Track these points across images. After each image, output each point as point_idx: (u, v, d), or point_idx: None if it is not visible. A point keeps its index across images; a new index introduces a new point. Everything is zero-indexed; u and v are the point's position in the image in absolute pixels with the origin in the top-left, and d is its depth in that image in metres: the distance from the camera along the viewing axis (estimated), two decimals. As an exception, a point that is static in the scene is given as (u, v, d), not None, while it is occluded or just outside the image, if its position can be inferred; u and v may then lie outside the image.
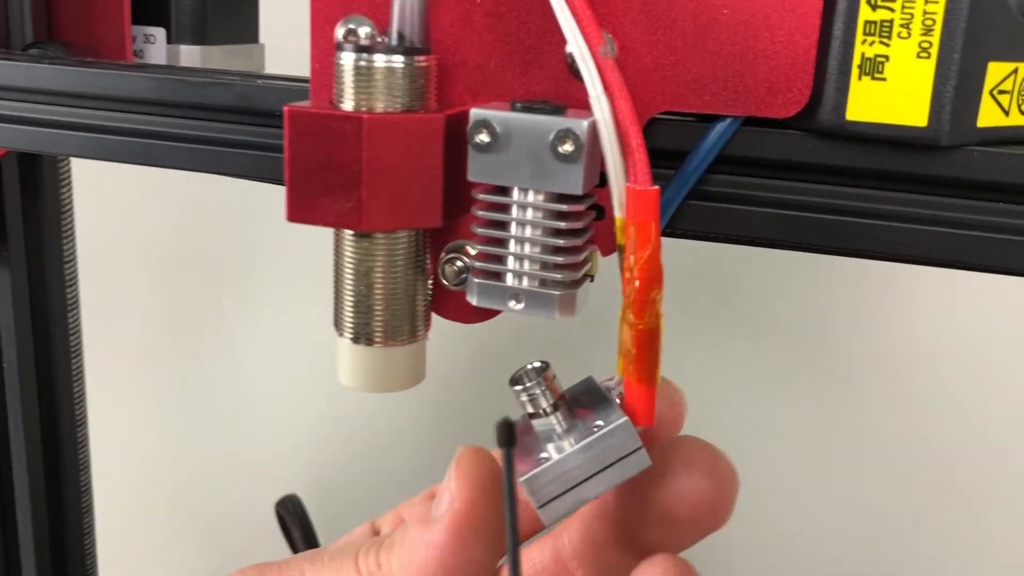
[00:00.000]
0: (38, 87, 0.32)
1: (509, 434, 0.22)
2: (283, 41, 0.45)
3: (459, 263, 0.27)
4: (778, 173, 0.26)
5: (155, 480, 0.78)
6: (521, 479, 0.25)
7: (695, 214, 0.26)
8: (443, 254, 0.27)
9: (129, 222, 0.72)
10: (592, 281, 0.27)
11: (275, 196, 0.66)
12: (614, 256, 0.29)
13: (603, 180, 0.26)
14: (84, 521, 0.48)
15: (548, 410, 0.25)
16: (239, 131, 0.30)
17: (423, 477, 0.71)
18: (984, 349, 0.59)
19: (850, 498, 0.64)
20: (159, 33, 0.41)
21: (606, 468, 0.25)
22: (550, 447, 0.25)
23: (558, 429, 0.25)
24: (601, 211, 0.26)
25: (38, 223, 0.43)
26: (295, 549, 0.63)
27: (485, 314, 0.28)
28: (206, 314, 0.73)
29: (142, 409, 0.76)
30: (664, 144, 0.26)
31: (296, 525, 0.63)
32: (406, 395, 0.75)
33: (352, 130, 0.24)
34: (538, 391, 0.25)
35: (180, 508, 0.78)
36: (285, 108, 0.24)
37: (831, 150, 0.25)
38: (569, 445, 0.25)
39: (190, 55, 0.41)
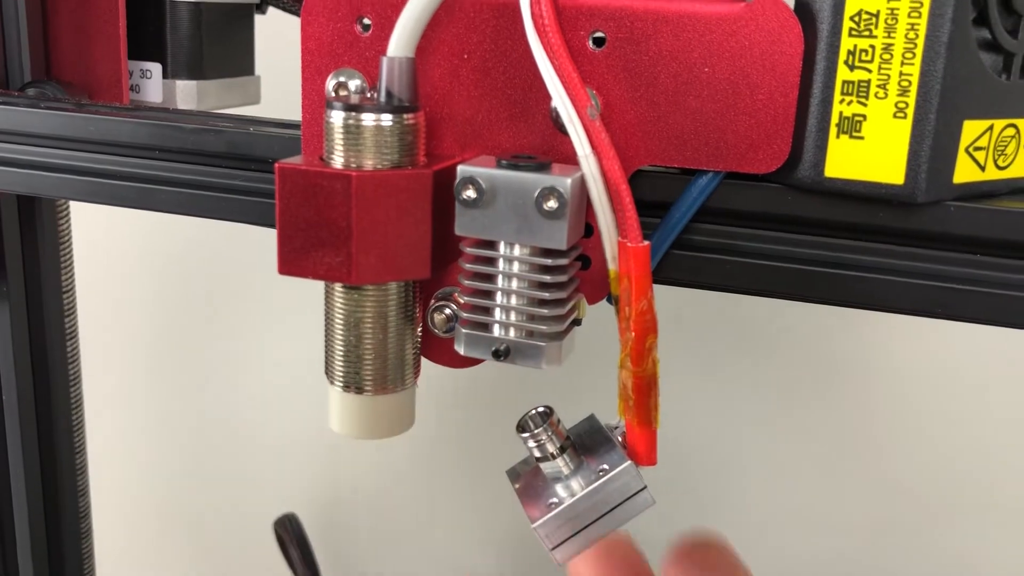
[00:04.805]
0: (34, 131, 0.32)
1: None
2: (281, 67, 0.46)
3: (447, 311, 0.28)
4: (759, 225, 0.26)
5: (153, 499, 0.78)
6: (533, 525, 0.26)
7: (679, 264, 0.27)
8: (432, 301, 0.28)
9: (130, 238, 0.73)
10: (579, 325, 0.28)
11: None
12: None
13: (588, 231, 0.26)
14: (83, 545, 0.48)
15: (555, 453, 0.26)
16: (232, 176, 0.31)
17: (424, 497, 0.72)
18: (982, 362, 0.60)
19: (846, 511, 0.64)
20: (155, 68, 0.41)
21: (613, 509, 0.25)
22: (559, 489, 0.26)
23: (565, 471, 0.26)
24: (587, 261, 0.27)
25: (36, 256, 0.43)
26: (293, 568, 0.64)
27: (474, 359, 0.28)
28: (205, 334, 0.74)
29: (141, 432, 0.77)
30: (648, 196, 0.26)
31: (294, 544, 0.64)
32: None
33: (341, 187, 0.24)
34: (544, 437, 0.26)
35: (178, 526, 0.78)
36: (276, 165, 0.25)
37: (811, 204, 0.25)
38: (578, 488, 0.25)
39: (186, 89, 0.42)
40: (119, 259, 0.73)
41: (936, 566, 0.63)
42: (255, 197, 0.30)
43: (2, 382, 0.43)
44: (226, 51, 0.43)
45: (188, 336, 0.74)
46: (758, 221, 0.26)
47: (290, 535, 0.64)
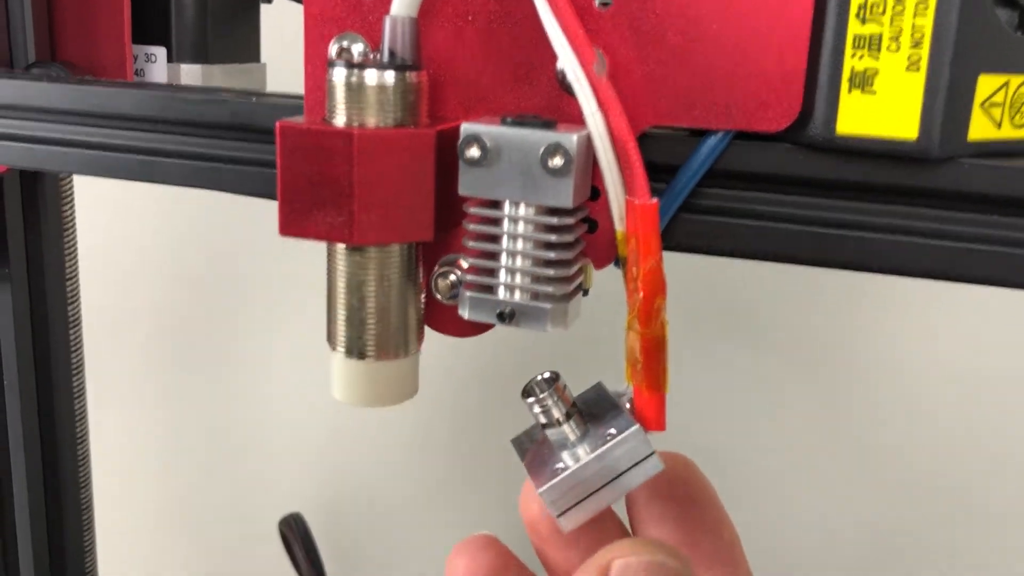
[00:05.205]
0: (36, 105, 0.32)
1: None
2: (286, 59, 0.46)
3: (452, 277, 0.27)
4: (770, 187, 0.26)
5: (157, 495, 0.78)
6: (539, 490, 0.25)
7: (687, 228, 0.26)
8: (436, 268, 0.27)
9: (136, 236, 0.72)
10: (586, 295, 0.27)
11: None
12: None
13: (595, 194, 0.26)
14: (84, 538, 0.48)
15: (561, 419, 0.26)
16: (235, 147, 0.30)
17: (428, 497, 0.71)
18: (986, 359, 0.59)
19: (848, 508, 0.63)
20: (160, 52, 0.41)
21: (621, 475, 0.25)
22: (565, 456, 0.25)
23: (571, 438, 0.26)
24: (593, 224, 0.26)
25: (39, 240, 0.43)
26: (297, 567, 0.63)
27: (479, 328, 0.28)
28: (212, 330, 0.74)
29: (144, 426, 0.76)
30: (655, 158, 0.26)
31: (299, 543, 0.63)
32: (412, 414, 0.75)
33: (343, 145, 0.24)
34: (550, 402, 0.25)
35: (182, 523, 0.77)
36: (277, 124, 0.24)
37: (822, 163, 0.25)
38: (584, 454, 0.25)
39: (191, 74, 0.41)
40: (126, 254, 0.73)
41: (944, 565, 0.62)
42: (259, 167, 0.30)
43: (3, 367, 0.43)
44: (231, 36, 0.43)
45: (194, 334, 0.74)
46: (769, 183, 0.25)
47: (295, 534, 0.63)
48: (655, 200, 0.24)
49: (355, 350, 0.26)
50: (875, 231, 0.25)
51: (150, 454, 0.77)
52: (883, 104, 0.23)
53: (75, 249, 0.45)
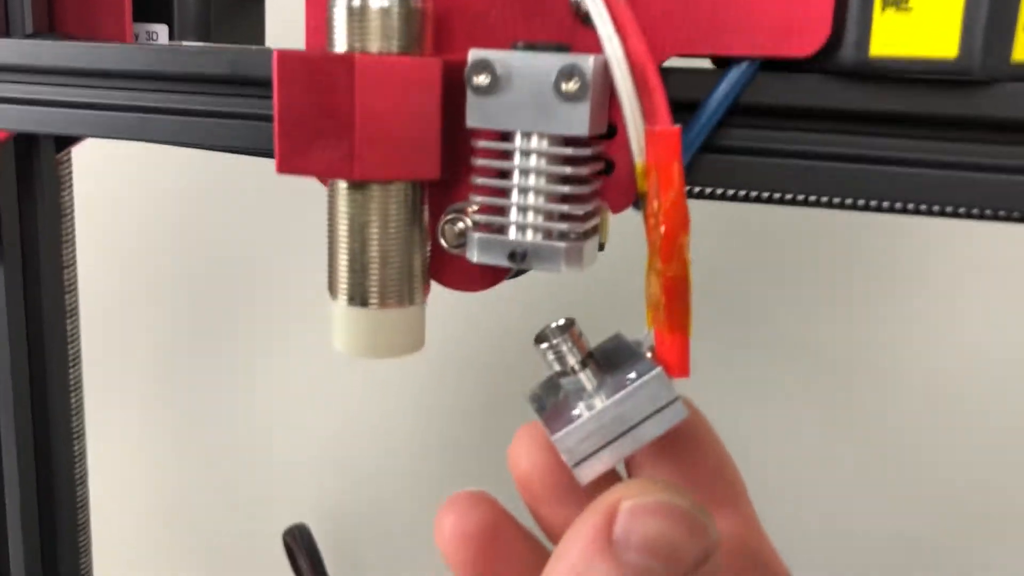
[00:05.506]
0: (28, 64, 0.31)
1: None
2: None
3: (460, 224, 0.26)
4: (799, 121, 0.24)
5: (157, 503, 0.76)
6: (553, 437, 0.23)
7: (710, 168, 0.25)
8: (444, 215, 0.26)
9: (138, 226, 0.71)
10: (602, 249, 0.26)
11: (286, 212, 0.65)
12: (625, 235, 0.28)
13: (611, 132, 0.25)
14: (79, 540, 0.46)
15: (576, 367, 0.24)
16: (233, 103, 0.29)
17: (436, 509, 0.69)
18: (1006, 363, 0.57)
19: (864, 516, 0.61)
20: (162, 30, 0.40)
21: (642, 422, 0.23)
22: (581, 405, 0.23)
23: (588, 387, 0.24)
24: (610, 166, 0.25)
25: (35, 226, 0.41)
26: (302, 580, 0.61)
27: (488, 280, 0.26)
28: (214, 335, 0.72)
29: (144, 426, 0.74)
30: (676, 94, 0.24)
31: (304, 555, 0.61)
32: (419, 422, 0.73)
33: (344, 73, 0.22)
34: (564, 348, 0.24)
35: (184, 534, 0.75)
36: (275, 51, 0.23)
37: (855, 93, 0.23)
38: (601, 401, 0.23)
39: (193, 51, 0.40)
40: (127, 244, 0.71)
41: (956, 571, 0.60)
42: (257, 121, 0.29)
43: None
44: (236, 17, 0.42)
45: (196, 332, 0.72)
46: (798, 117, 0.24)
47: (300, 545, 0.61)
48: (677, 126, 0.22)
49: (357, 297, 0.24)
50: (911, 166, 0.23)
51: (148, 452, 0.75)
52: (920, 21, 0.22)
53: (73, 236, 0.44)
